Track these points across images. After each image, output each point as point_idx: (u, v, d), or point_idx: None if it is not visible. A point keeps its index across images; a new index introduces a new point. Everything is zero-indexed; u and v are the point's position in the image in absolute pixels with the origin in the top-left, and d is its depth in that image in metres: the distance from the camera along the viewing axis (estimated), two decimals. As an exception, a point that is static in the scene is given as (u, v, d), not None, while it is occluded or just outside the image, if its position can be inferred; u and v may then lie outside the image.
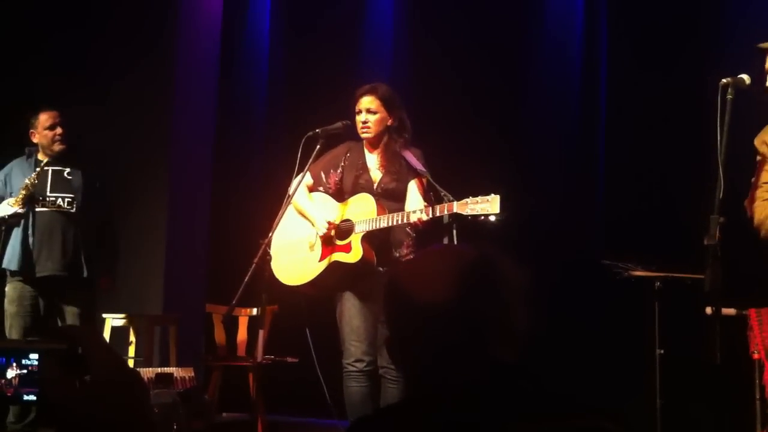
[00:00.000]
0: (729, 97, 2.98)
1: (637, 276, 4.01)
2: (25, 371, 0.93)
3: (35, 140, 4.67)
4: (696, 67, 4.96)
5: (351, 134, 4.01)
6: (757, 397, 3.72)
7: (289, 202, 3.79)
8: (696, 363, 4.10)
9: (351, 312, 3.77)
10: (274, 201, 3.89)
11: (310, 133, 3.83)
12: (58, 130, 4.63)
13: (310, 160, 3.79)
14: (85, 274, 4.56)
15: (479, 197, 3.36)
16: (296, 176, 3.78)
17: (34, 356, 0.94)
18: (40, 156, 4.67)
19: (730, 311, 3.69)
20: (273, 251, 3.94)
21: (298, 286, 3.88)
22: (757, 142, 3.26)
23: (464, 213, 3.37)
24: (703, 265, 2.88)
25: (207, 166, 5.97)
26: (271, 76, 6.44)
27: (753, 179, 3.37)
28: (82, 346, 0.92)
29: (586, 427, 1.17)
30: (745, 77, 3.06)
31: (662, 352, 3.93)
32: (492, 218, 3.33)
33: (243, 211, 6.01)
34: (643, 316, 4.10)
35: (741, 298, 3.69)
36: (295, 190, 3.83)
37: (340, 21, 6.22)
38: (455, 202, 3.42)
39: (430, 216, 3.48)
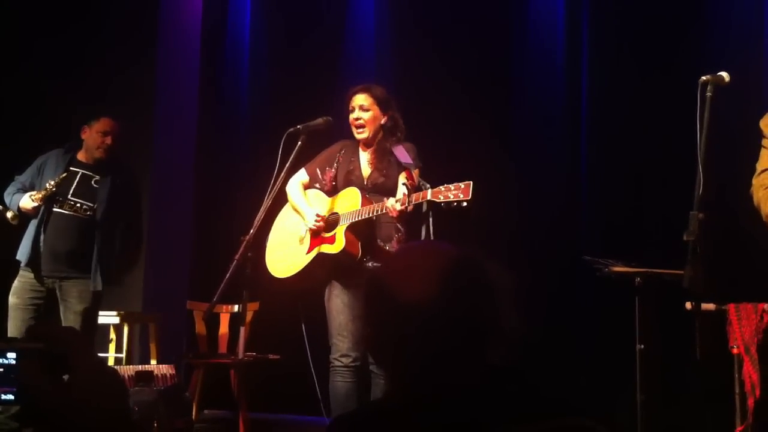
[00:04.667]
0: (708, 94, 3.00)
1: (617, 272, 4.03)
2: (1, 370, 0.92)
3: (83, 137, 4.63)
4: (677, 65, 4.99)
5: (332, 130, 4.01)
6: (737, 391, 3.76)
7: (271, 199, 3.79)
8: (676, 358, 4.14)
9: (338, 307, 3.80)
10: (257, 198, 3.88)
11: (291, 130, 3.84)
12: (108, 140, 4.59)
13: (292, 157, 3.79)
14: (99, 287, 4.50)
15: (453, 184, 3.37)
16: (277, 173, 3.78)
17: (11, 355, 0.93)
18: (79, 155, 4.64)
19: (709, 306, 3.72)
20: (268, 248, 4.01)
21: (287, 278, 3.90)
22: (762, 123, 3.26)
23: (437, 200, 3.39)
24: (683, 261, 2.89)
25: (189, 163, 5.95)
26: (253, 73, 6.42)
27: (757, 164, 3.38)
28: (61, 345, 0.91)
29: (570, 427, 1.17)
30: (725, 75, 3.08)
31: (643, 347, 3.95)
32: (464, 204, 3.34)
33: (225, 208, 5.99)
34: (624, 312, 4.12)
35: (720, 293, 3.73)
36: (276, 188, 3.83)
37: (322, 20, 6.21)
38: (429, 190, 3.43)
39: (406, 204, 3.49)
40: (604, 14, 5.44)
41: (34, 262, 4.49)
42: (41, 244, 4.47)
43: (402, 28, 5.96)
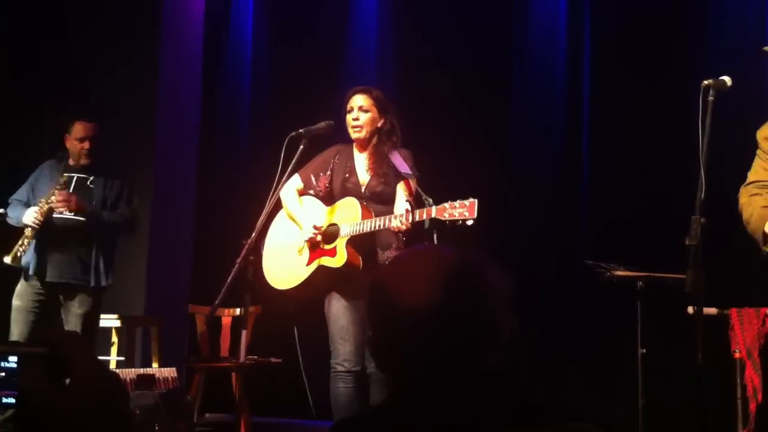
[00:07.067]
0: (710, 98, 3.00)
1: (619, 276, 4.03)
2: (3, 374, 0.93)
3: (67, 145, 4.69)
4: (678, 70, 5.00)
5: (334, 134, 4.00)
6: (739, 396, 3.76)
7: (272, 203, 3.78)
8: (678, 362, 4.14)
9: (338, 312, 3.76)
10: (258, 201, 3.88)
11: (293, 134, 3.82)
12: (86, 145, 4.62)
13: (294, 161, 3.78)
14: (92, 283, 4.53)
15: (457, 201, 3.33)
16: (279, 176, 3.77)
17: (13, 359, 0.93)
18: (71, 161, 4.68)
19: (711, 311, 3.72)
20: (264, 256, 3.95)
21: (287, 290, 3.88)
22: (759, 134, 3.26)
23: (442, 218, 3.35)
24: (684, 266, 2.89)
25: (191, 166, 5.95)
26: (255, 77, 6.43)
27: (748, 173, 3.38)
28: (63, 350, 0.91)
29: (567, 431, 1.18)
30: (727, 79, 3.07)
31: (644, 351, 3.95)
32: (469, 222, 3.31)
33: (227, 211, 5.99)
34: (625, 316, 4.12)
35: (722, 297, 3.73)
36: (278, 191, 3.82)
37: (324, 24, 6.22)
38: (434, 207, 3.39)
39: (410, 221, 3.46)
40: (605, 20, 5.45)
41: (39, 272, 4.53)
42: (45, 252, 4.51)
43: (404, 32, 5.96)
